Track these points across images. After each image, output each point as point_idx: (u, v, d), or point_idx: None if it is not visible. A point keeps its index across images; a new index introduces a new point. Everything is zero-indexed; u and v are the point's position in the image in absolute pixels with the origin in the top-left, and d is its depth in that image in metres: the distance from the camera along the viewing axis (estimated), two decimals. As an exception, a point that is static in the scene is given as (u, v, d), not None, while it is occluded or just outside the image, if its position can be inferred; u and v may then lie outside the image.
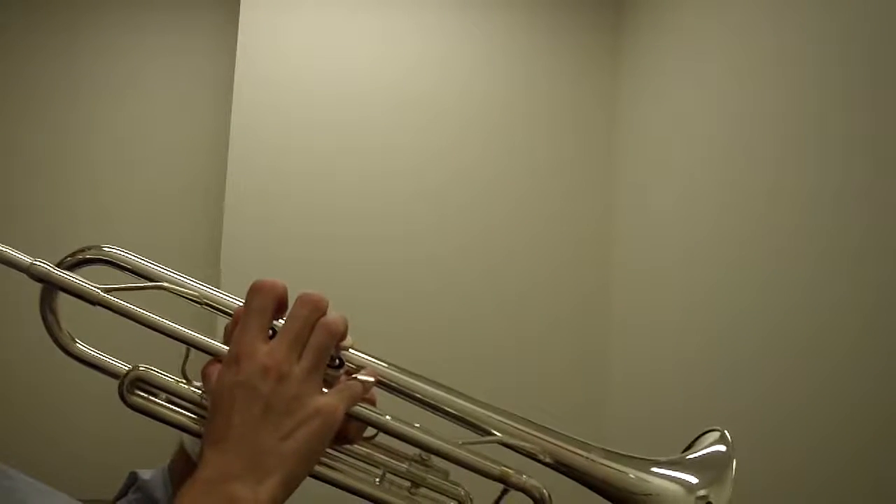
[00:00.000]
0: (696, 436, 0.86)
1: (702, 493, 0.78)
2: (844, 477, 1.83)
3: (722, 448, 0.83)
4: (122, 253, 0.77)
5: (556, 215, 3.01)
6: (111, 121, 3.24)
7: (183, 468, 0.83)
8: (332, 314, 0.73)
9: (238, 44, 2.86)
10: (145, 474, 0.94)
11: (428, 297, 2.87)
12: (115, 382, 0.75)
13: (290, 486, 0.69)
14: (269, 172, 2.84)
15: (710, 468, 0.81)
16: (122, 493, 0.96)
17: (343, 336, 0.74)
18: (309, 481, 0.75)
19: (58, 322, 0.77)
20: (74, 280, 0.75)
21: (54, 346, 0.77)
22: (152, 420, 0.76)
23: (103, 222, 3.11)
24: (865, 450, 1.79)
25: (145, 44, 3.26)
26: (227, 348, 0.72)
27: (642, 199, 2.85)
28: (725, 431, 0.84)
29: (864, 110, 1.89)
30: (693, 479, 0.79)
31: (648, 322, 2.76)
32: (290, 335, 0.71)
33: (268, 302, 0.72)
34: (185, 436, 0.82)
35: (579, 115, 3.07)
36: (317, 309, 0.73)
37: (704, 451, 0.83)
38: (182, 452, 0.87)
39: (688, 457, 0.83)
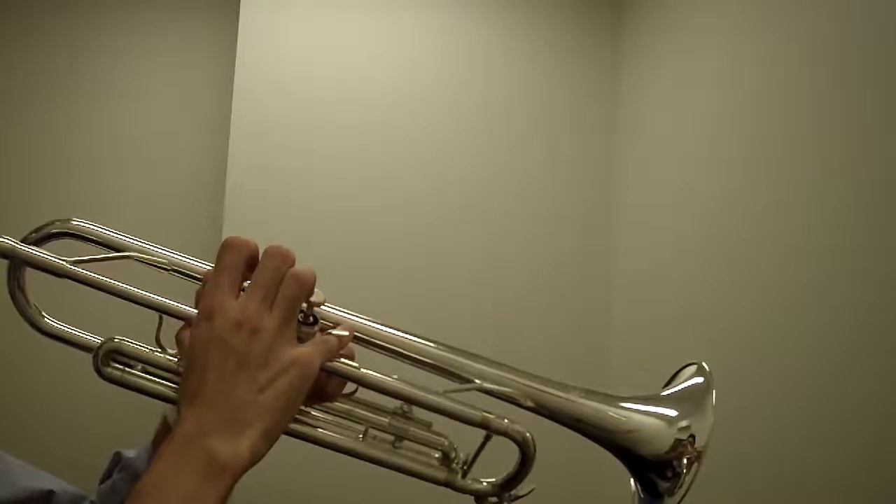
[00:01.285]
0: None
1: (683, 423, 0.78)
2: (845, 477, 1.82)
3: (700, 380, 0.83)
4: (89, 225, 0.77)
5: (556, 215, 3.00)
6: (111, 120, 3.24)
7: None
8: (301, 266, 0.73)
9: (238, 44, 2.86)
10: (130, 453, 0.93)
11: (427, 295, 2.86)
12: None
13: (269, 438, 0.69)
14: (269, 172, 2.83)
15: (690, 400, 0.81)
16: (108, 475, 0.95)
17: (312, 287, 0.74)
18: (295, 442, 0.74)
19: (26, 298, 0.76)
20: (40, 254, 0.74)
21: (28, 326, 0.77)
22: (130, 393, 0.75)
23: (103, 222, 3.09)
24: (866, 450, 1.78)
25: (145, 44, 3.26)
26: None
27: (642, 198, 2.85)
28: (703, 363, 0.84)
29: (864, 110, 1.88)
30: (673, 412, 0.79)
31: (648, 322, 2.74)
32: (260, 288, 0.71)
33: (239, 259, 0.72)
34: (168, 408, 0.82)
35: (579, 115, 3.06)
36: (285, 261, 0.73)
37: (683, 385, 0.83)
38: (165, 425, 0.86)
39: (666, 392, 0.82)
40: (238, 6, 2.86)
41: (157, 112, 3.25)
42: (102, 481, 0.94)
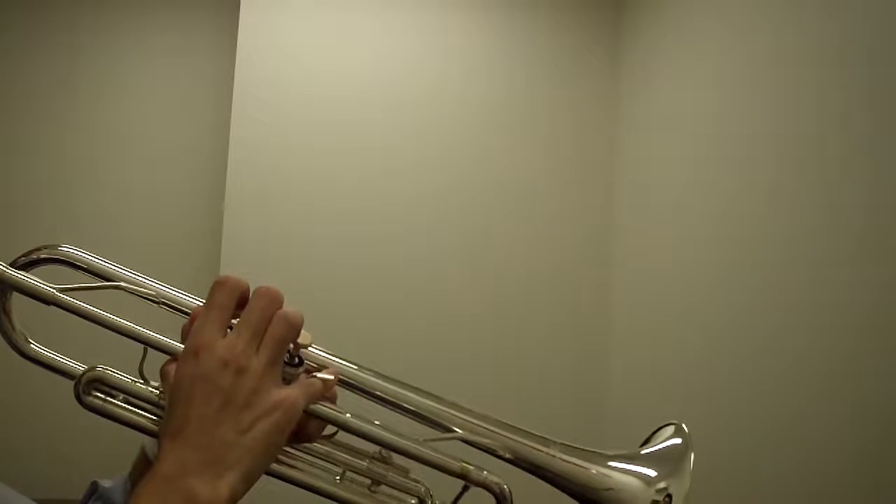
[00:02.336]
0: (652, 431, 0.85)
1: (661, 485, 0.77)
2: (844, 477, 1.82)
3: (678, 441, 0.82)
4: (78, 252, 0.76)
5: (556, 215, 3.00)
6: (111, 121, 3.24)
7: (144, 473, 0.83)
8: (289, 307, 0.73)
9: (238, 44, 2.86)
10: (106, 483, 0.93)
11: (428, 296, 2.87)
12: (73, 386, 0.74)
13: (249, 480, 0.68)
14: (269, 172, 2.84)
15: (669, 461, 0.80)
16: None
17: (300, 329, 0.73)
18: (271, 482, 0.74)
19: (11, 322, 0.76)
20: (28, 280, 0.73)
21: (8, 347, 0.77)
22: (110, 423, 0.75)
23: (103, 222, 3.11)
24: (865, 450, 1.78)
25: (145, 44, 3.27)
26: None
27: (642, 198, 2.84)
28: (682, 425, 0.84)
29: (863, 110, 1.88)
30: (652, 473, 0.78)
31: (648, 322, 2.74)
32: (248, 328, 0.70)
33: (230, 297, 0.72)
34: (147, 440, 0.82)
35: (579, 115, 3.06)
36: (274, 301, 0.72)
37: (662, 445, 0.82)
38: (143, 457, 0.86)
39: (646, 451, 0.82)
40: (238, 6, 2.87)
41: (157, 112, 3.26)
42: None
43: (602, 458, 0.79)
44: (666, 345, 2.61)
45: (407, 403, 0.78)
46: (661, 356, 2.63)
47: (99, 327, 0.74)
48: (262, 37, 2.89)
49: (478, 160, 2.96)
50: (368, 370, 0.78)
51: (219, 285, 0.72)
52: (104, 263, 0.77)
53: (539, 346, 2.92)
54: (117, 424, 0.74)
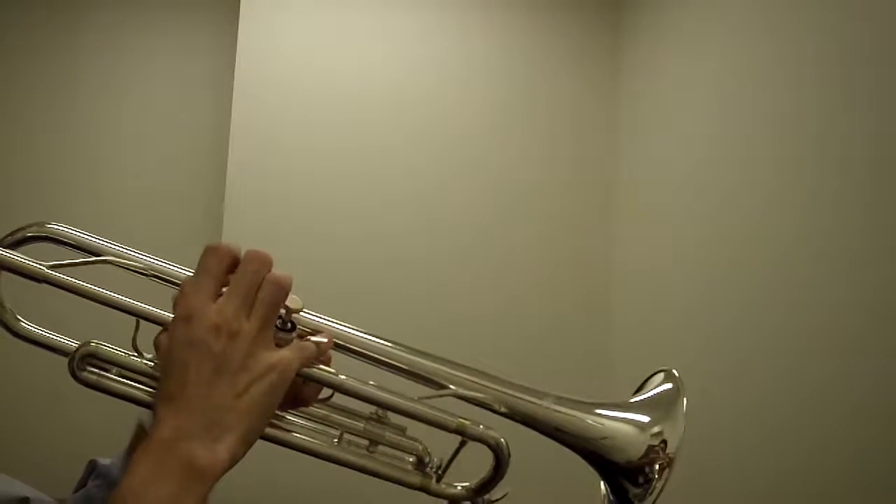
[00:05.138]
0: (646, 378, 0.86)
1: (655, 429, 0.79)
2: (845, 477, 1.82)
3: (669, 386, 0.83)
4: (65, 229, 0.76)
5: (556, 215, 3.00)
6: (111, 121, 3.24)
7: None
8: (278, 270, 0.73)
9: (238, 44, 2.87)
10: (105, 460, 0.93)
11: (427, 296, 2.86)
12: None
13: (247, 442, 0.69)
14: (269, 172, 2.84)
15: (661, 406, 0.82)
16: (83, 483, 0.95)
17: (289, 291, 0.73)
18: (275, 450, 0.74)
19: (1, 302, 0.76)
20: (17, 258, 0.73)
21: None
22: (106, 397, 0.75)
23: (103, 222, 3.09)
24: (866, 450, 1.77)
25: (145, 44, 3.27)
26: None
27: (642, 198, 2.84)
28: (673, 370, 0.84)
29: (863, 110, 1.88)
30: (645, 419, 0.79)
31: (648, 322, 2.74)
32: (238, 292, 0.71)
33: (221, 264, 0.72)
34: (144, 415, 0.82)
35: (579, 115, 3.06)
36: (263, 265, 0.73)
37: (654, 392, 0.83)
38: (141, 432, 0.86)
39: (637, 398, 0.83)
40: (238, 6, 2.87)
41: (157, 112, 3.25)
42: (77, 490, 0.94)
43: (595, 408, 0.79)
44: (665, 345, 2.61)
45: (400, 363, 0.79)
46: (660, 356, 2.62)
47: (90, 305, 0.74)
48: (262, 37, 2.89)
49: (477, 160, 2.96)
50: (361, 331, 0.78)
51: (209, 252, 0.73)
52: (92, 239, 0.77)
53: (538, 346, 2.91)
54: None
